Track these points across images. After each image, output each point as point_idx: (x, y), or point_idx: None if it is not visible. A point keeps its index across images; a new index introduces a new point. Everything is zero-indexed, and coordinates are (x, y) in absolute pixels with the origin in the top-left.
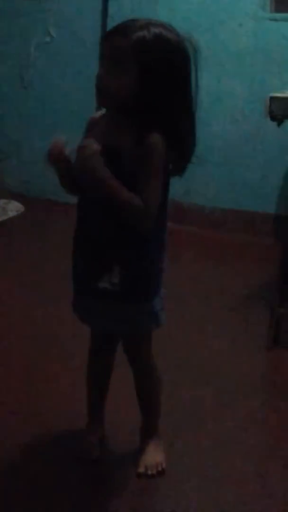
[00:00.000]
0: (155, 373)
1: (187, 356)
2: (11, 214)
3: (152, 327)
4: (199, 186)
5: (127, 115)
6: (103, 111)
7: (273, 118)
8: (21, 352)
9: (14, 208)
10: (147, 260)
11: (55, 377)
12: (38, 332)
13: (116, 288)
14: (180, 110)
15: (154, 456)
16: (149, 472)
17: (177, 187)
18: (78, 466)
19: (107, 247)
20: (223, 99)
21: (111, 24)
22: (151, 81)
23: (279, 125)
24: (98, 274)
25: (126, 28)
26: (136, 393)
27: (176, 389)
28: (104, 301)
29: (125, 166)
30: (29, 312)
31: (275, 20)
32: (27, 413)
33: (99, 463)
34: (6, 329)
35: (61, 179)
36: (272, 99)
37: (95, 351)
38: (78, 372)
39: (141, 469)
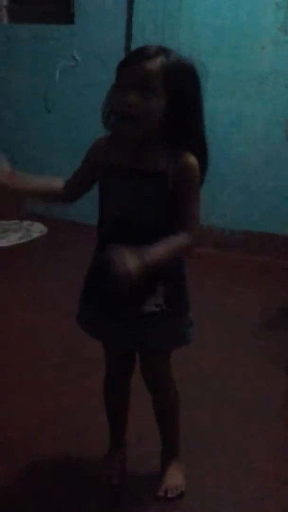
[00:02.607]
0: (175, 394)
1: (206, 379)
2: (35, 235)
3: (188, 339)
4: (219, 208)
5: (155, 138)
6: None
7: None
8: (38, 372)
9: (37, 229)
10: (180, 274)
11: (75, 398)
12: (57, 351)
13: (163, 308)
14: (199, 129)
15: (174, 479)
16: (169, 495)
17: None
18: (99, 491)
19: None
20: (244, 121)
21: (134, 48)
22: (178, 102)
23: None
24: (140, 299)
25: (147, 53)
26: (156, 416)
27: (195, 412)
28: (146, 323)
29: (167, 186)
30: (49, 330)
31: None
32: (46, 436)
33: (119, 487)
34: (24, 347)
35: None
36: None
37: (112, 375)
38: (97, 394)
39: (161, 492)
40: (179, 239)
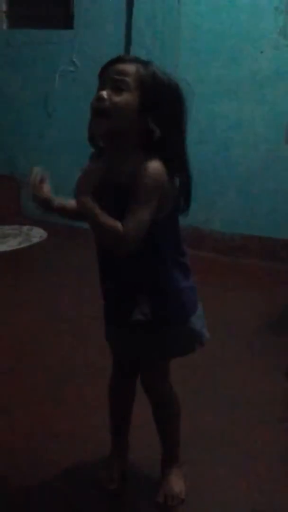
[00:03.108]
0: (174, 401)
1: (205, 384)
2: (34, 240)
3: (195, 345)
4: (219, 212)
5: (127, 146)
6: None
7: None
8: (40, 376)
9: (37, 234)
10: (169, 283)
11: (75, 402)
12: (57, 355)
13: (148, 317)
14: (176, 142)
15: (174, 486)
16: (169, 503)
17: (197, 214)
18: (98, 496)
19: (130, 280)
20: (244, 125)
21: (133, 53)
22: (150, 107)
23: None
24: (128, 308)
25: (123, 58)
26: (155, 422)
27: (194, 417)
28: (140, 331)
29: (127, 197)
30: (48, 334)
31: None
32: (46, 440)
33: (120, 493)
34: (24, 353)
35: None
36: None
37: (117, 379)
38: (99, 397)
39: (161, 499)
40: (114, 223)
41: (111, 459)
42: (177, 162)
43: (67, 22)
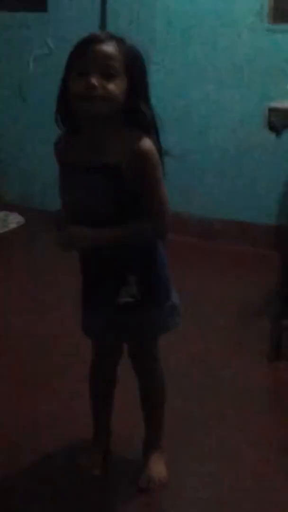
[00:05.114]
0: (161, 379)
1: (187, 369)
2: (12, 226)
3: (179, 320)
4: (198, 197)
5: (116, 123)
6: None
7: (272, 128)
8: (19, 363)
9: (14, 220)
10: (156, 259)
11: (57, 389)
12: (36, 343)
13: (137, 298)
14: (148, 110)
15: (156, 470)
16: (151, 486)
17: (177, 198)
18: (81, 481)
19: (119, 260)
20: (222, 109)
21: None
22: (135, 85)
23: (277, 135)
24: (115, 290)
25: (100, 38)
26: (141, 402)
27: (176, 401)
28: (127, 313)
29: (119, 178)
30: (27, 322)
31: (273, 31)
32: (27, 427)
33: (102, 478)
34: (4, 340)
35: None
36: (271, 110)
37: (99, 369)
38: (80, 383)
39: (143, 483)
40: (144, 225)
41: (93, 444)
42: (154, 131)
43: (40, 4)
